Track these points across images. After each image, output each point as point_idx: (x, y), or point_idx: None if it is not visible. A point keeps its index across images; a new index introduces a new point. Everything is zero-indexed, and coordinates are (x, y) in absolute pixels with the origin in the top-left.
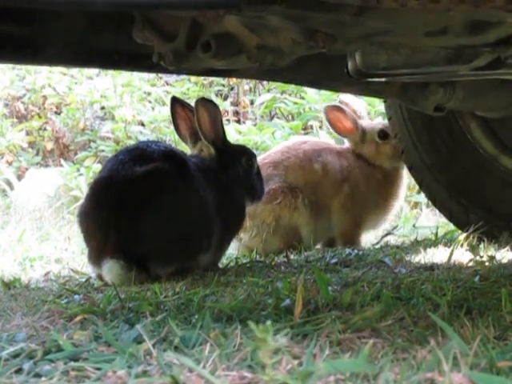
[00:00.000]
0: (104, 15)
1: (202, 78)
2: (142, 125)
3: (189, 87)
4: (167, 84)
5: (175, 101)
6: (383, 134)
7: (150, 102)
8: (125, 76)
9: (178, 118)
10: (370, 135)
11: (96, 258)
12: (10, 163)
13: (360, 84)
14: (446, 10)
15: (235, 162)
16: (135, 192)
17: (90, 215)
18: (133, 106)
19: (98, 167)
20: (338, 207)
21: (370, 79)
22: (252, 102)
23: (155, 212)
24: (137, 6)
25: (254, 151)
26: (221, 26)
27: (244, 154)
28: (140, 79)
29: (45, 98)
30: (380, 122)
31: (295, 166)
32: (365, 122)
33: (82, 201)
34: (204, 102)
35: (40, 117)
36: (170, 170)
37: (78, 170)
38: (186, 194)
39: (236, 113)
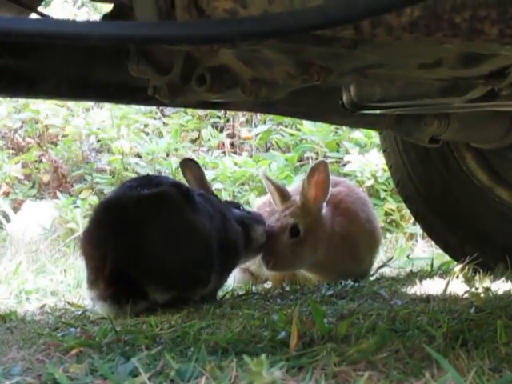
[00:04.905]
0: (99, 48)
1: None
2: (139, 157)
3: (188, 119)
4: (164, 116)
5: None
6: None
7: (147, 133)
8: (122, 108)
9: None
10: None
11: (94, 280)
12: (6, 195)
13: (355, 116)
14: (439, 43)
15: None
16: (140, 212)
17: (92, 235)
18: (130, 137)
19: (94, 199)
20: None
21: (365, 111)
22: (249, 130)
23: (159, 233)
24: (131, 40)
25: (250, 183)
26: (215, 60)
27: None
28: (137, 111)
29: (41, 130)
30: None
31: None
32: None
33: (79, 232)
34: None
35: (38, 147)
36: (176, 195)
37: (74, 203)
38: (191, 220)
39: (232, 145)
